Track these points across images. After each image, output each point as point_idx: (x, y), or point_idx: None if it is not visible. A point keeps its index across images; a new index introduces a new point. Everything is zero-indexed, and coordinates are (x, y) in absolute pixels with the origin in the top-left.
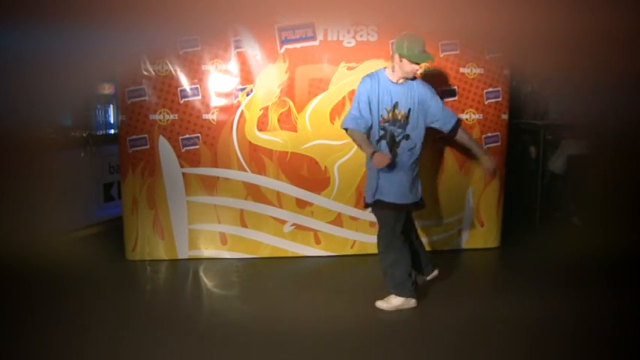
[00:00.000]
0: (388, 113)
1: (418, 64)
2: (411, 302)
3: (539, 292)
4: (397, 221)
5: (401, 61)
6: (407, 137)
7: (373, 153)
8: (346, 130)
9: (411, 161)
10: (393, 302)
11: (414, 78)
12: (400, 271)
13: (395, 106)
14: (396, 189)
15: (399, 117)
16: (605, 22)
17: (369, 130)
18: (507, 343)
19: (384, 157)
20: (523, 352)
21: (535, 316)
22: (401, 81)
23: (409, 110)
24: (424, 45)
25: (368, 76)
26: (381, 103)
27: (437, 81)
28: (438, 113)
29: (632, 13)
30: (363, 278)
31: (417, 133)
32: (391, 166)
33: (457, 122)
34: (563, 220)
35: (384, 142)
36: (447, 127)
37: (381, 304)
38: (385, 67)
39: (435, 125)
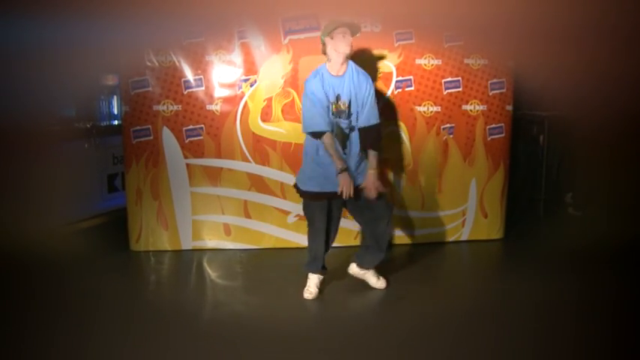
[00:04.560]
0: (332, 106)
1: (338, 34)
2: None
3: (542, 283)
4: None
5: (329, 44)
6: (353, 129)
7: (343, 170)
8: (316, 134)
9: (357, 151)
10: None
11: (355, 68)
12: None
13: (337, 97)
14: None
15: (343, 108)
16: (610, 14)
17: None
18: (510, 334)
19: (350, 181)
20: (527, 342)
21: (538, 306)
22: (341, 73)
23: (350, 101)
24: (343, 21)
25: (313, 74)
26: (327, 97)
27: (441, 72)
28: (365, 108)
29: (636, 6)
30: None
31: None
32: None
33: (374, 126)
34: (565, 211)
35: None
36: (360, 124)
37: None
38: (325, 63)
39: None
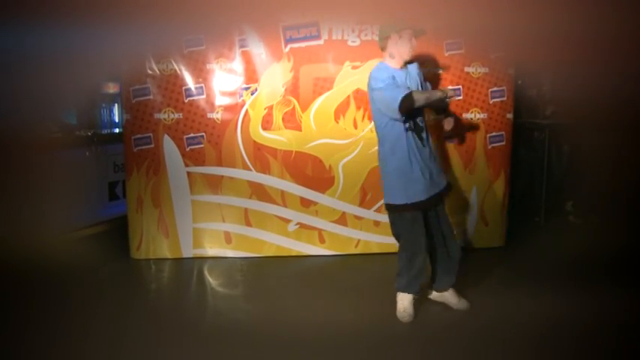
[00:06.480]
0: None
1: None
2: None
3: (543, 292)
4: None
5: (400, 38)
6: (422, 129)
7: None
8: (400, 108)
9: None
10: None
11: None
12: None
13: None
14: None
15: None
16: (609, 21)
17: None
18: (512, 342)
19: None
20: (528, 351)
21: (539, 315)
22: (402, 67)
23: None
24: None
25: (376, 69)
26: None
27: (441, 80)
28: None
29: (635, 13)
30: (367, 277)
31: (421, 118)
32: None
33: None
34: (566, 219)
35: (410, 134)
36: None
37: None
38: (381, 61)
39: None
